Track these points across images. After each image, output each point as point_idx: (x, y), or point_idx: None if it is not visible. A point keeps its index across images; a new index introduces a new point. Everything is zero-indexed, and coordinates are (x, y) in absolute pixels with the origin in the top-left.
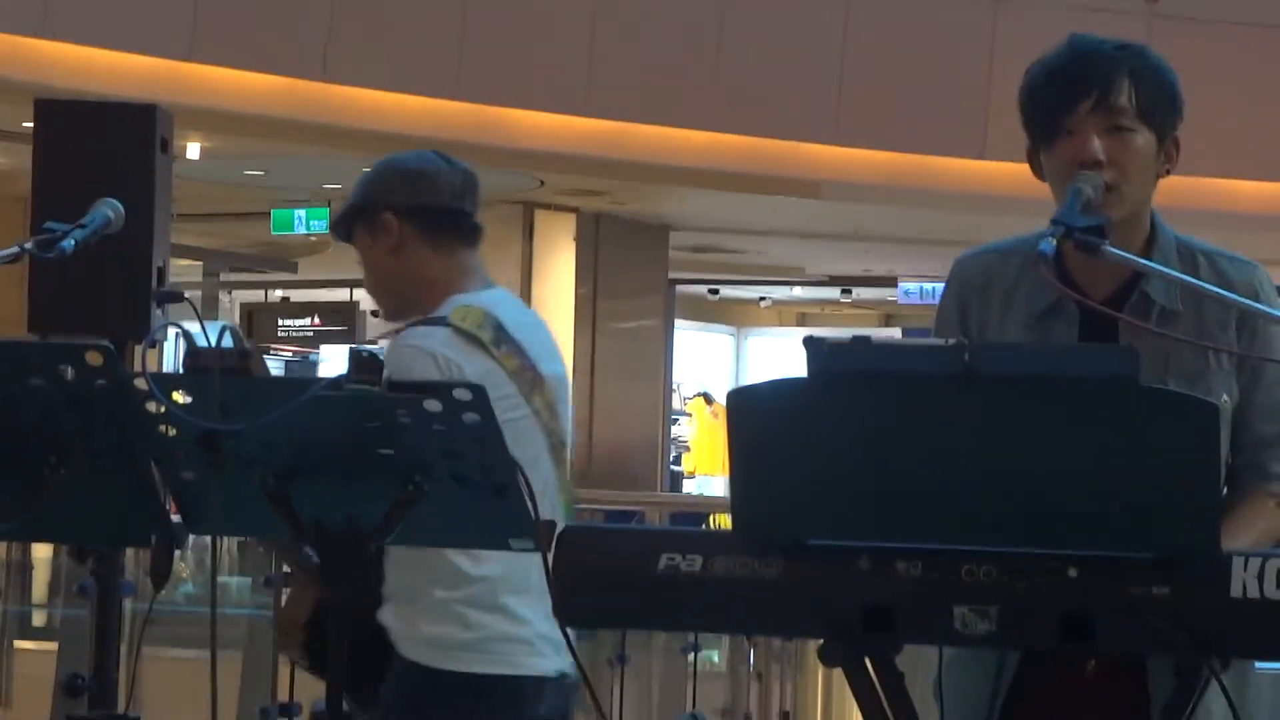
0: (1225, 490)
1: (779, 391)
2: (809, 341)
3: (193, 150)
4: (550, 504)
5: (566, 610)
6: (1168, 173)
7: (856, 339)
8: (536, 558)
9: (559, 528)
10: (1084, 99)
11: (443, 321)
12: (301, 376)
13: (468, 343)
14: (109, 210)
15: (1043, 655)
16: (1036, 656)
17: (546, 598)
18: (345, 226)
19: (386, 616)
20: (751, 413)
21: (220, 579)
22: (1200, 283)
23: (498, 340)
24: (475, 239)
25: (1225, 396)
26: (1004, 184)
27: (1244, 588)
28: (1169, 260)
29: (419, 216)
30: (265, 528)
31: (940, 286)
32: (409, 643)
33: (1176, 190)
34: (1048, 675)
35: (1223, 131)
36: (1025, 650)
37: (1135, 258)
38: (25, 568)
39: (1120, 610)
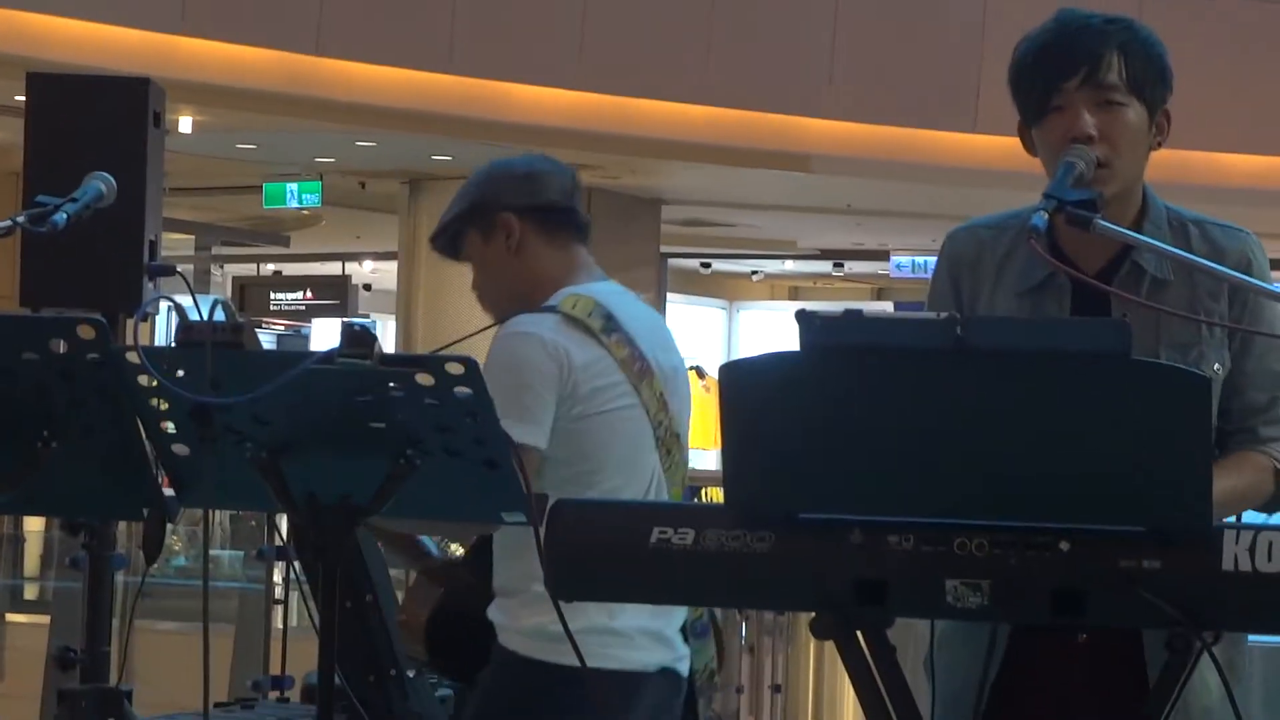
0: (1218, 453)
1: (771, 365)
2: (801, 315)
3: (185, 124)
4: (655, 495)
5: (558, 584)
6: (1159, 145)
7: (848, 313)
8: None
9: (550, 501)
10: (1073, 75)
11: (552, 310)
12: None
13: (577, 329)
14: (101, 184)
15: (1034, 629)
16: (1028, 630)
17: None
18: (454, 234)
19: (493, 611)
20: (744, 386)
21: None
22: (1192, 256)
23: (607, 329)
24: (587, 235)
25: (1217, 365)
26: (995, 157)
27: (1235, 560)
28: (1160, 231)
29: (536, 215)
30: (257, 501)
31: (932, 260)
32: (510, 634)
33: (1165, 164)
34: (1039, 649)
35: (1211, 105)
36: (1016, 624)
37: (1127, 231)
38: (17, 541)
39: (1112, 583)
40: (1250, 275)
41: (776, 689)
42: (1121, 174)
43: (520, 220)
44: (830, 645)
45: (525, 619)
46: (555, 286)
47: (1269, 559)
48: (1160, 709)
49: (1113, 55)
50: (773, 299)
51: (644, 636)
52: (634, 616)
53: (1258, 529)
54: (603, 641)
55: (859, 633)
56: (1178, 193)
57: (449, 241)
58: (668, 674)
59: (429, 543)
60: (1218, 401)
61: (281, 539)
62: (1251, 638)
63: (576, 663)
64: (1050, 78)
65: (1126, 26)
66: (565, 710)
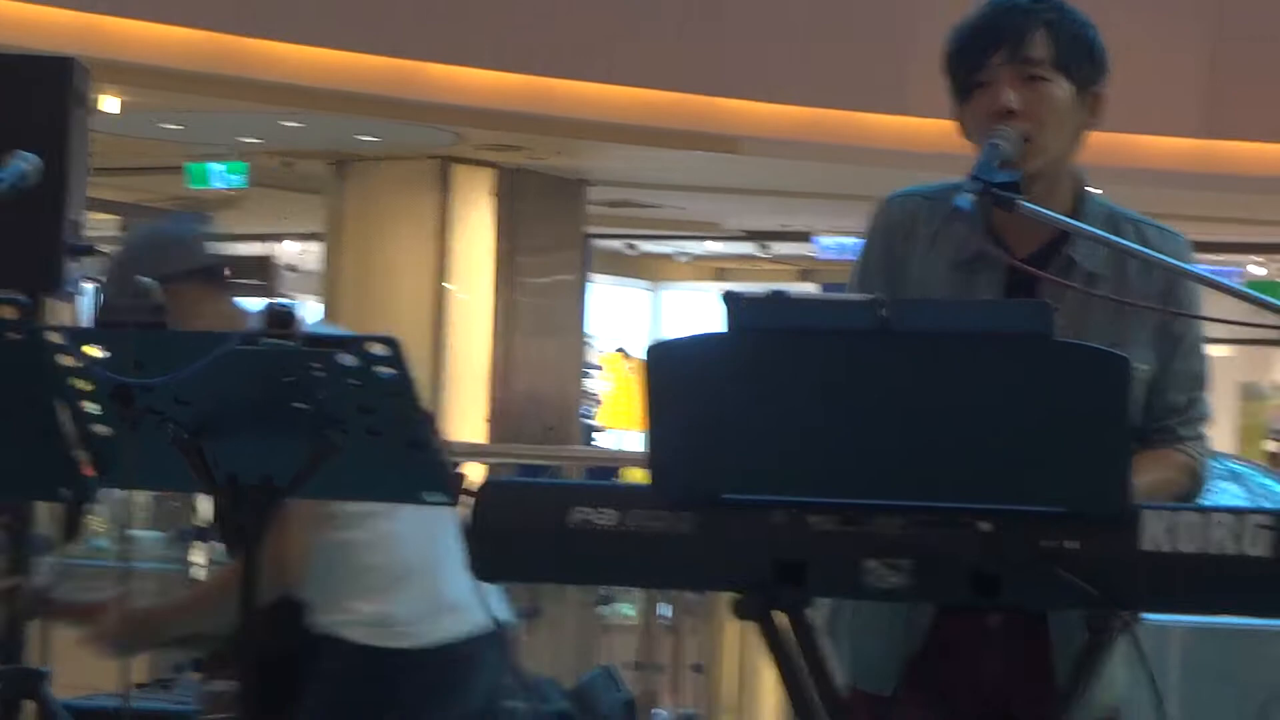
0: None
1: (696, 346)
2: (727, 296)
3: (110, 104)
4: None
5: (481, 565)
6: (1090, 127)
7: (774, 294)
8: (417, 533)
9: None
10: (995, 51)
11: None
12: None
13: None
14: (24, 164)
15: (948, 608)
16: (942, 608)
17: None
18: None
19: (320, 616)
20: (669, 367)
21: (133, 533)
22: (1125, 243)
23: None
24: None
25: (1143, 366)
26: (925, 140)
27: (1154, 541)
28: (1095, 224)
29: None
30: (179, 482)
31: (858, 242)
32: (351, 628)
33: (1087, 145)
34: (952, 627)
35: (1131, 87)
36: (935, 603)
37: (1053, 214)
38: None
39: (1031, 564)
40: (1182, 280)
41: (697, 669)
42: (1046, 149)
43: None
44: (752, 625)
45: (365, 609)
46: None
47: (1188, 540)
48: (1078, 689)
49: (1038, 31)
50: (697, 280)
51: (471, 601)
52: (460, 586)
53: (1176, 510)
54: (436, 618)
55: (780, 613)
56: (1097, 173)
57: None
58: (494, 629)
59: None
60: (1141, 400)
61: (203, 520)
62: (1171, 619)
63: (415, 645)
64: (974, 54)
65: (1055, 6)
66: (413, 688)
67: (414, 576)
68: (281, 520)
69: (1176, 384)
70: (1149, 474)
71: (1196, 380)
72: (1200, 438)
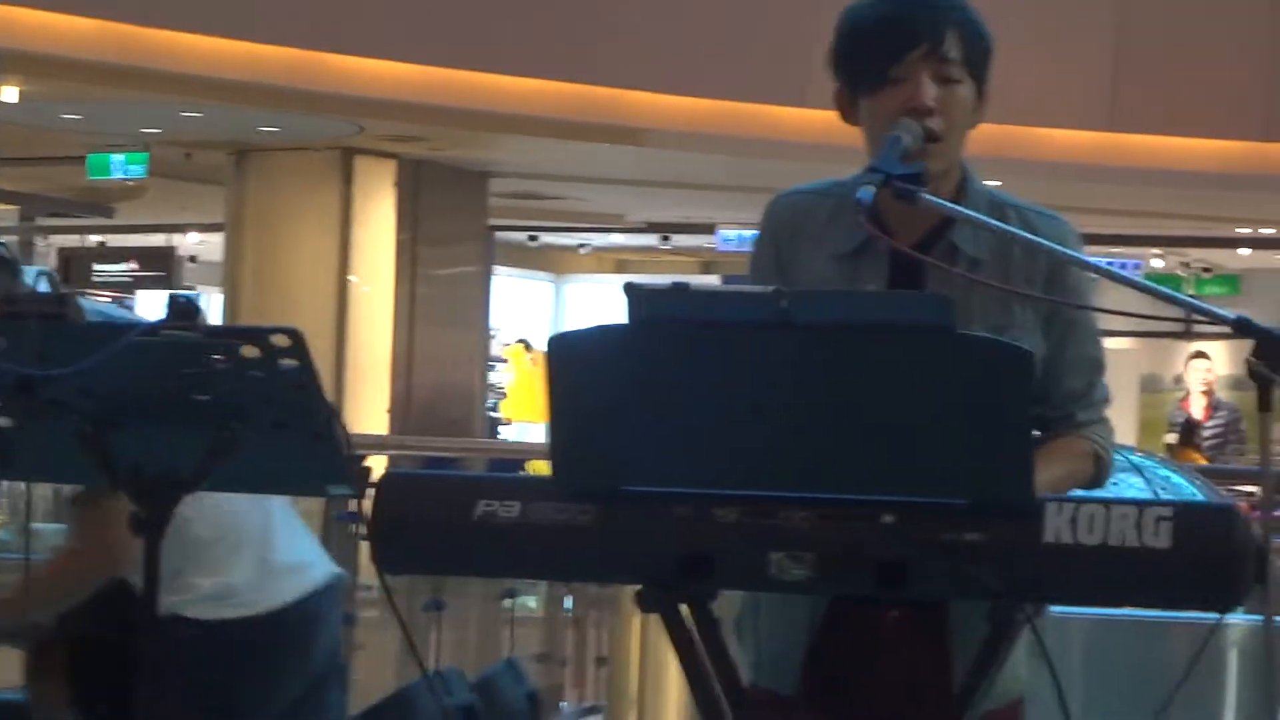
0: (1040, 439)
1: (598, 338)
2: (629, 288)
3: (9, 94)
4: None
5: (385, 557)
6: (975, 124)
7: (675, 286)
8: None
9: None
10: (915, 48)
11: None
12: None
13: None
14: None
15: (847, 601)
16: (841, 603)
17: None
18: None
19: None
20: (571, 359)
21: (34, 525)
22: (1009, 228)
23: None
24: None
25: (1030, 347)
26: (824, 132)
27: (1056, 533)
28: (979, 212)
29: None
30: (82, 474)
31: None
32: (193, 605)
33: (988, 138)
34: (853, 622)
35: (1031, 80)
36: (845, 598)
37: (952, 205)
38: None
39: (935, 556)
40: (1068, 265)
41: (601, 662)
42: (951, 149)
43: None
44: (656, 618)
45: (204, 584)
46: None
47: (1089, 531)
48: (980, 681)
49: (951, 32)
50: (599, 272)
51: (307, 558)
52: (294, 545)
53: (1079, 502)
54: (275, 581)
55: (684, 605)
56: (998, 166)
57: None
58: (333, 582)
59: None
60: (1035, 388)
61: None
62: (1073, 610)
63: (258, 611)
64: (893, 48)
65: (961, 6)
66: (263, 653)
67: (247, 544)
68: (104, 507)
69: (1074, 369)
70: (1055, 466)
71: (1094, 365)
72: (1102, 421)
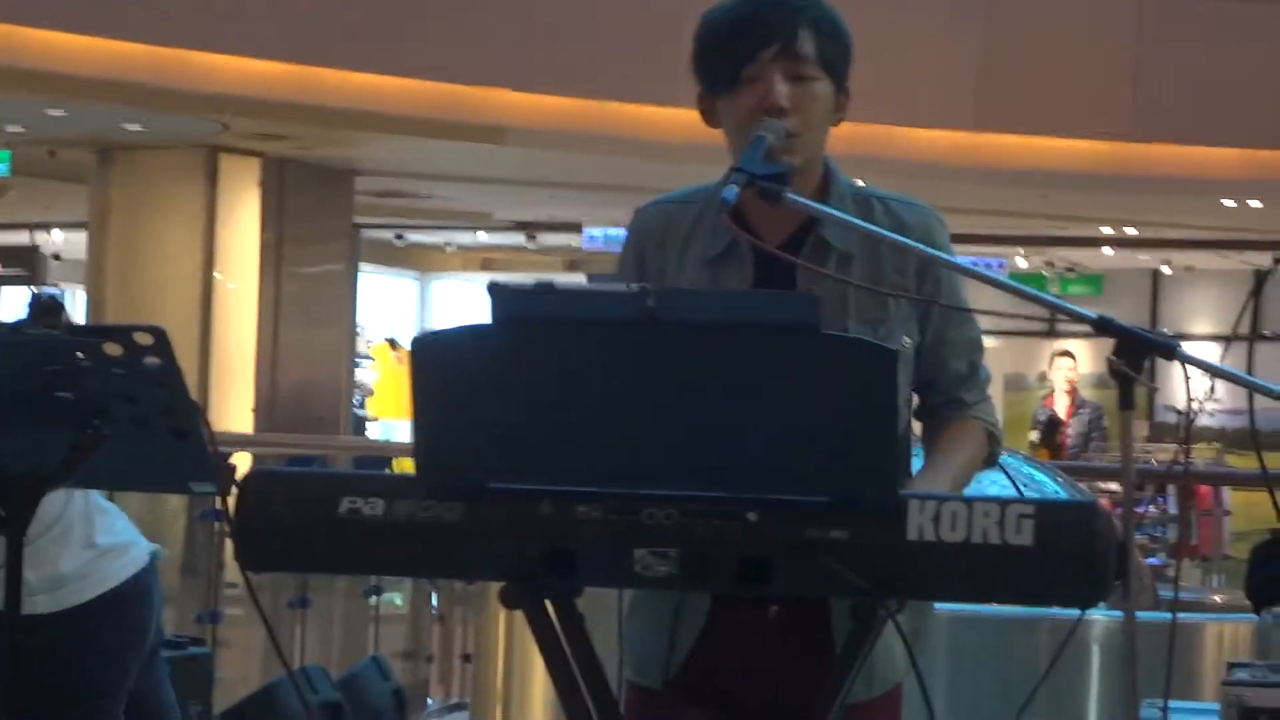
0: (932, 425)
1: (463, 337)
2: (493, 287)
3: None
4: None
5: (248, 556)
6: (839, 121)
7: (540, 284)
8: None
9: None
10: (767, 47)
11: None
12: None
13: None
14: None
15: (730, 599)
16: (724, 600)
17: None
18: None
19: (42, 586)
20: (435, 357)
21: None
22: (878, 229)
23: None
24: None
25: (906, 339)
26: (691, 131)
27: (920, 530)
28: (845, 206)
29: None
30: None
31: (625, 233)
32: (83, 584)
33: (855, 138)
34: (731, 618)
35: (902, 80)
36: (713, 595)
37: (817, 205)
38: None
39: (798, 553)
40: (933, 249)
41: (466, 659)
42: (809, 146)
43: None
44: (521, 614)
45: (32, 579)
46: None
47: (952, 529)
48: (845, 676)
49: (805, 30)
50: (465, 270)
51: (127, 540)
52: (114, 529)
53: (941, 499)
54: (102, 565)
55: (548, 602)
56: (866, 165)
57: None
58: (153, 557)
59: None
60: (919, 374)
61: None
62: (937, 606)
63: (90, 595)
64: (745, 49)
65: (816, 4)
66: (101, 637)
67: (71, 533)
68: None
69: (956, 352)
70: (957, 453)
71: (973, 345)
72: (987, 399)
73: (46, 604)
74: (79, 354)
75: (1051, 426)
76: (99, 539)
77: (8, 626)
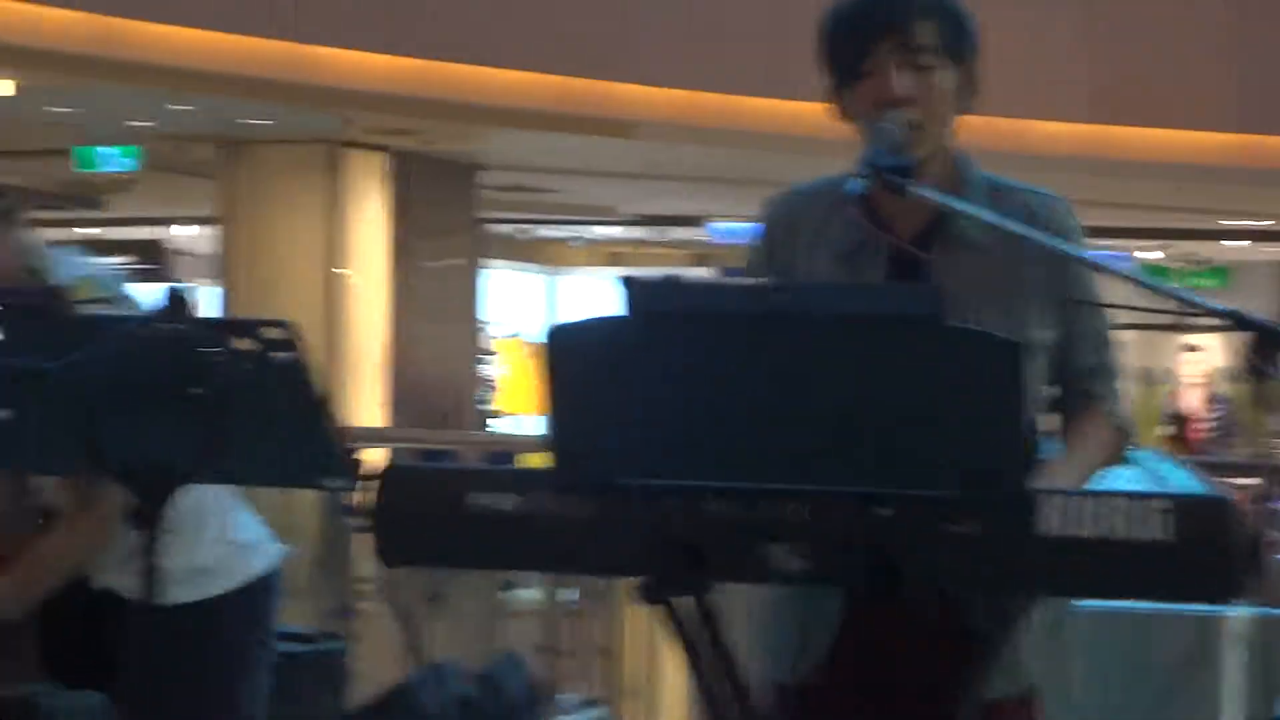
0: (1061, 419)
1: (595, 329)
2: (624, 280)
3: (5, 87)
4: None
5: (386, 549)
6: (967, 111)
7: (670, 278)
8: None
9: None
10: (884, 38)
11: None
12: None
13: None
14: None
15: (864, 595)
16: (859, 596)
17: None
18: None
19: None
20: (567, 350)
21: None
22: (1007, 222)
23: None
24: None
25: (1038, 332)
26: (817, 124)
27: (1051, 525)
28: (977, 198)
29: None
30: (76, 466)
31: (750, 226)
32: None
33: (972, 130)
34: (868, 615)
35: (1016, 72)
36: (847, 591)
37: (943, 198)
38: None
39: (929, 548)
40: (1066, 241)
41: (602, 653)
42: (933, 136)
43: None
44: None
45: (175, 568)
46: None
47: (1084, 523)
48: (980, 673)
49: (923, 18)
50: (592, 265)
51: (259, 536)
52: (248, 524)
53: (1073, 494)
54: (237, 559)
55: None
56: (983, 157)
57: None
58: (281, 557)
59: None
60: (1050, 367)
61: None
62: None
63: (226, 589)
64: (861, 42)
65: None
66: (239, 627)
67: (209, 525)
68: (86, 497)
69: (1087, 345)
70: (1088, 447)
71: (1103, 338)
72: (1117, 393)
73: (185, 593)
74: (209, 349)
75: (1180, 421)
76: (235, 534)
77: (145, 618)
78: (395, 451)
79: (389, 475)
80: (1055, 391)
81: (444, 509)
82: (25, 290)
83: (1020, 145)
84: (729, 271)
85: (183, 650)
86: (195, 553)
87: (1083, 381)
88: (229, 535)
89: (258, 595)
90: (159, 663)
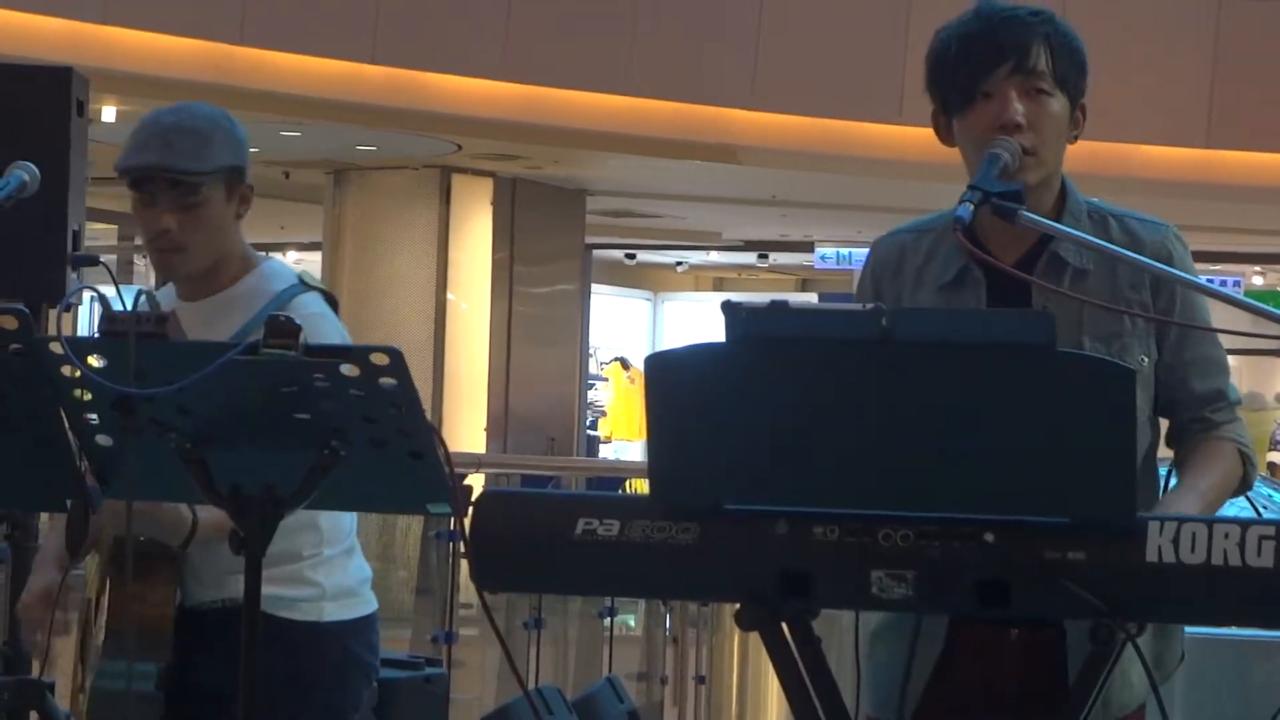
0: (1182, 447)
1: (697, 356)
2: (727, 306)
3: (108, 114)
4: None
5: (484, 574)
6: (1075, 139)
7: (774, 304)
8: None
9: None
10: (1003, 63)
11: (312, 287)
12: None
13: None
14: (24, 173)
15: (967, 623)
16: (962, 625)
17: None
18: (199, 179)
19: (282, 590)
20: (670, 377)
21: None
22: (1112, 246)
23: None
24: None
25: (1143, 357)
26: (920, 149)
27: (1159, 552)
28: (1080, 223)
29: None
30: (182, 492)
31: (856, 251)
32: (319, 605)
33: (1086, 155)
34: (972, 643)
35: (1132, 98)
36: (950, 620)
37: (1051, 222)
38: None
39: (1036, 575)
40: (1171, 267)
41: (701, 680)
42: (1045, 163)
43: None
44: (755, 636)
45: (329, 583)
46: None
47: (1191, 550)
48: (1083, 701)
49: (1040, 46)
50: (697, 290)
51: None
52: (362, 565)
53: (1180, 520)
54: (365, 587)
55: (784, 624)
56: (1097, 183)
57: (192, 186)
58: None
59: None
60: (1161, 395)
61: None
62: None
63: (360, 614)
64: (979, 66)
65: (1050, 19)
66: (362, 653)
67: (353, 548)
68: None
69: (1199, 372)
70: (1210, 474)
71: (1217, 365)
72: (1238, 420)
73: (333, 611)
74: (316, 375)
75: None
76: (362, 562)
77: (250, 645)
78: (491, 478)
79: (484, 502)
80: (1166, 420)
81: (545, 535)
82: (131, 317)
83: (1131, 169)
84: (826, 297)
85: (320, 665)
86: (347, 573)
87: (1199, 407)
88: (360, 562)
89: (373, 627)
90: (291, 674)
